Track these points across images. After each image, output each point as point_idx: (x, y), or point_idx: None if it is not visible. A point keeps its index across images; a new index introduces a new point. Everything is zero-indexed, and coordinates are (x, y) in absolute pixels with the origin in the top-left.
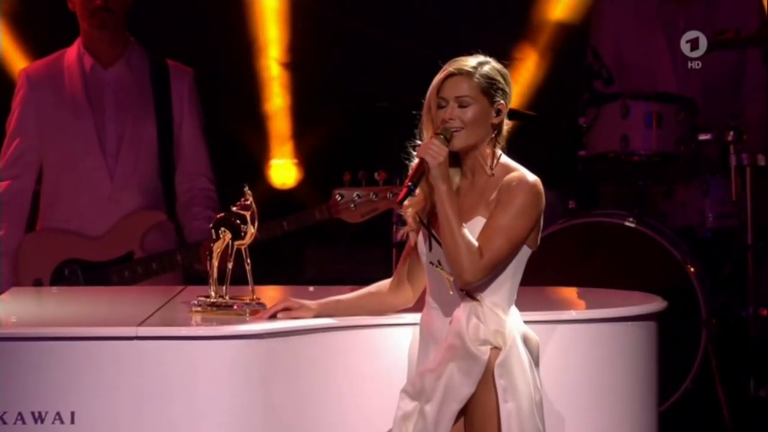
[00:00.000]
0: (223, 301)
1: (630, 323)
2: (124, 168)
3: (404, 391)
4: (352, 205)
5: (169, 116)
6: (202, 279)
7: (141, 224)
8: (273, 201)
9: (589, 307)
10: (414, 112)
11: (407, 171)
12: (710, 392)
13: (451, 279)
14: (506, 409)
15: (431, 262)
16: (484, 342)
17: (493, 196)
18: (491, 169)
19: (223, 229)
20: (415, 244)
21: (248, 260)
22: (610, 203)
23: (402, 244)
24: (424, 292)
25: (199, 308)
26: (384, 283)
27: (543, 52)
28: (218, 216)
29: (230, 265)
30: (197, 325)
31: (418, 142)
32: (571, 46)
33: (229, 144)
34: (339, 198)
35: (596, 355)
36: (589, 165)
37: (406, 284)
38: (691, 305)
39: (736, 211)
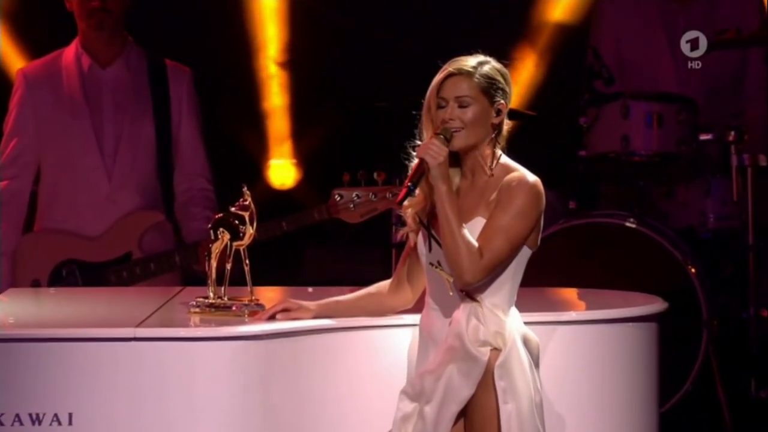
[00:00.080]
0: (222, 302)
1: (630, 324)
2: (122, 168)
3: (404, 392)
4: (352, 206)
5: (168, 116)
6: (200, 280)
7: (139, 224)
8: (272, 201)
9: (589, 308)
10: (414, 112)
11: (407, 171)
12: (711, 393)
13: (451, 280)
14: (506, 410)
15: (431, 263)
16: (484, 343)
17: (493, 196)
18: (491, 169)
19: (221, 229)
20: (415, 244)
21: (247, 261)
22: (611, 204)
23: (401, 245)
24: (423, 293)
25: (197, 309)
26: (383, 284)
27: (543, 53)
28: (217, 216)
29: (229, 266)
30: (196, 326)
31: (418, 142)
32: (571, 46)
33: (228, 144)
34: (338, 198)
35: (597, 357)
36: (590, 165)
37: (406, 285)
38: (691, 306)
39: (737, 211)
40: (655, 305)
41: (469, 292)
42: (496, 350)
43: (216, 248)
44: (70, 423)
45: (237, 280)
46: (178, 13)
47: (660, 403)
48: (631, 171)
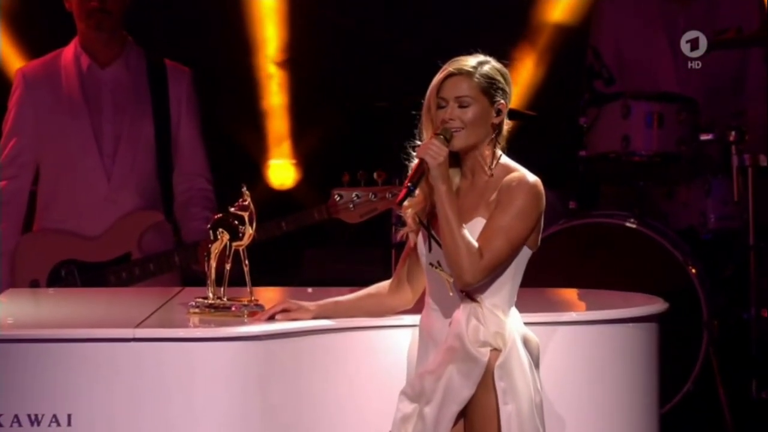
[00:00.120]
0: (221, 302)
1: (631, 325)
2: (122, 168)
3: (403, 392)
4: (351, 206)
5: (167, 116)
6: (200, 280)
7: (138, 225)
8: (271, 202)
9: (589, 308)
10: (413, 112)
11: (407, 171)
12: (712, 394)
13: (451, 280)
14: (506, 411)
15: (431, 263)
16: (484, 344)
17: (493, 196)
18: (491, 169)
19: (221, 230)
20: (415, 245)
21: (246, 261)
22: (611, 204)
23: (401, 245)
24: (423, 294)
25: (197, 310)
26: (383, 285)
27: (543, 53)
28: (216, 217)
29: (228, 266)
30: (195, 326)
31: (418, 142)
32: (570, 46)
33: (228, 144)
34: (338, 198)
35: (597, 357)
36: (590, 165)
37: (406, 285)
38: (692, 307)
39: (738, 211)
40: (655, 306)
41: (469, 293)
42: (496, 351)
43: (215, 248)
44: (69, 424)
45: (236, 280)
46: (178, 13)
47: (660, 404)
48: (632, 171)
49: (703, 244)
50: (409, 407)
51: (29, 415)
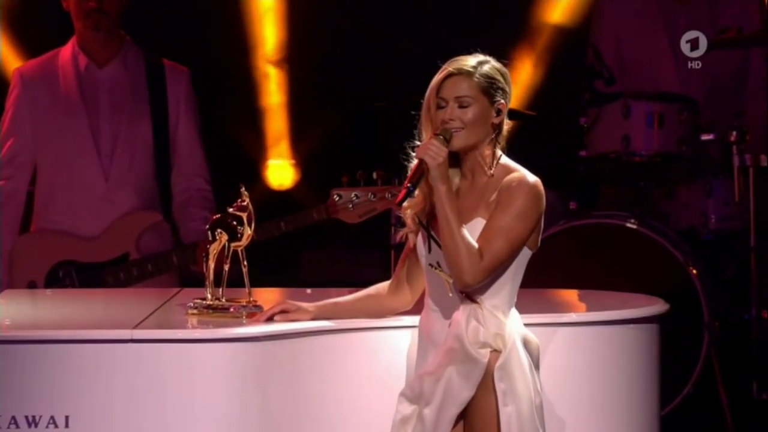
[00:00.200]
0: (220, 303)
1: (631, 326)
2: (119, 168)
3: (403, 394)
4: (350, 206)
5: (165, 116)
6: (198, 281)
7: (136, 225)
8: (270, 202)
9: (589, 309)
10: (413, 112)
11: (406, 172)
12: (712, 396)
13: (451, 281)
14: (506, 412)
15: (430, 264)
16: (484, 345)
17: (493, 197)
18: (491, 169)
19: (219, 230)
20: (414, 245)
21: (245, 262)
22: (612, 204)
23: (400, 246)
24: (423, 295)
25: (195, 311)
26: (382, 286)
27: (542, 53)
28: (214, 217)
29: (227, 267)
30: (193, 327)
31: (417, 142)
32: (570, 46)
33: (226, 144)
34: (337, 198)
35: (597, 358)
36: (590, 165)
37: (405, 286)
38: (693, 308)
39: (739, 212)
40: (656, 307)
41: (469, 294)
42: (496, 352)
43: (214, 249)
44: (66, 425)
45: (235, 281)
46: (177, 13)
47: (661, 406)
48: (632, 171)
49: (703, 245)
50: (408, 409)
51: (27, 417)
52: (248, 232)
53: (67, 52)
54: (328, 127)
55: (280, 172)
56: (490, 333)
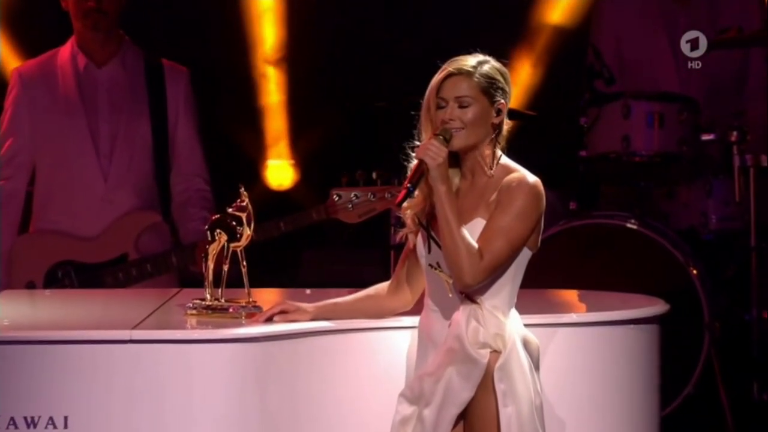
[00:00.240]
0: (219, 303)
1: (631, 326)
2: (118, 168)
3: (402, 395)
4: (350, 206)
5: (164, 116)
6: (197, 281)
7: (135, 225)
8: (270, 202)
9: (590, 309)
10: (413, 112)
11: (406, 172)
12: (713, 396)
13: (451, 281)
14: (506, 413)
15: (430, 265)
16: (484, 345)
17: (493, 197)
18: (491, 169)
19: (218, 230)
20: (414, 246)
21: (244, 262)
22: (612, 204)
23: (400, 246)
24: (422, 295)
25: (194, 311)
26: (382, 286)
27: (542, 53)
28: (214, 217)
29: (226, 268)
30: (192, 328)
31: (417, 142)
32: (570, 46)
33: (226, 144)
34: (336, 198)
35: (597, 359)
36: (590, 165)
37: (405, 287)
38: (693, 308)
39: (740, 212)
40: (656, 307)
41: (469, 294)
42: (496, 352)
43: (213, 249)
44: (65, 426)
45: (234, 281)
46: (176, 12)
47: (661, 406)
48: (632, 171)
49: (704, 245)
50: (408, 409)
51: (25, 417)
52: (247, 232)
53: (66, 51)
54: (328, 127)
55: (280, 172)
56: (490, 333)
